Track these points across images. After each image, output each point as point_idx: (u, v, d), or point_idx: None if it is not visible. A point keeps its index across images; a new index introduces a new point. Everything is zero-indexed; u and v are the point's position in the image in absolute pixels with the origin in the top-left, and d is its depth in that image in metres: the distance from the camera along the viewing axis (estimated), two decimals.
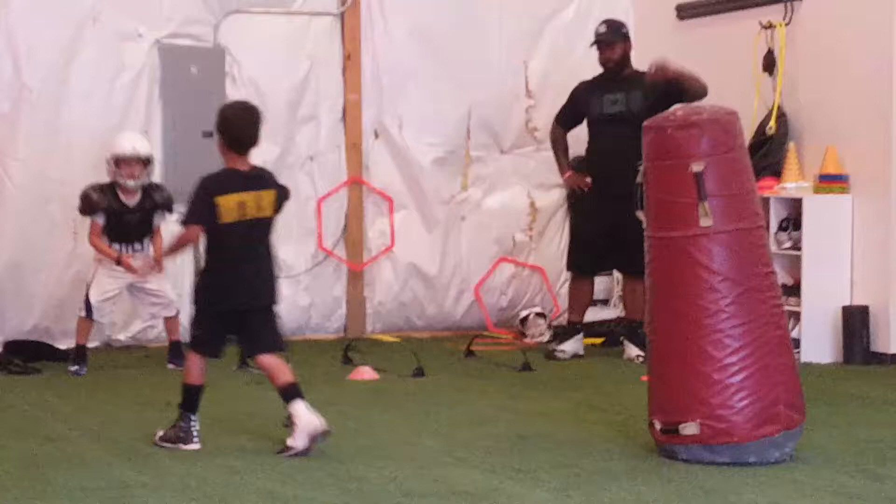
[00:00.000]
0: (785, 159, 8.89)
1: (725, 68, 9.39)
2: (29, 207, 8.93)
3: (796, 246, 8.65)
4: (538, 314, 9.79)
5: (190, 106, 9.25)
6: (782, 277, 8.23)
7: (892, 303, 8.40)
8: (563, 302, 10.20)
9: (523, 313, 9.92)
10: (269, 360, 6.09)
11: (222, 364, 8.37)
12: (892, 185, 8.39)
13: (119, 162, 8.15)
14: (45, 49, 8.90)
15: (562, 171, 9.01)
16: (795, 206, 8.71)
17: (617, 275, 10.18)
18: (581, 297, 8.93)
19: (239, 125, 6.04)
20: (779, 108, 9.03)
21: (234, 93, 9.35)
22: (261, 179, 6.14)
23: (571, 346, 8.80)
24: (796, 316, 8.49)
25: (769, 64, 9.14)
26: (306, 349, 9.12)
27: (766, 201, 8.46)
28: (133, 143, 8.22)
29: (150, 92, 9.20)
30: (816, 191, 8.68)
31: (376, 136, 9.85)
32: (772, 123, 9.00)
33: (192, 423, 6.08)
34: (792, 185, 8.78)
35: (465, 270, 10.07)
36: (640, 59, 10.55)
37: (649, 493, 5.21)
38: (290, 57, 9.51)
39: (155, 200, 8.31)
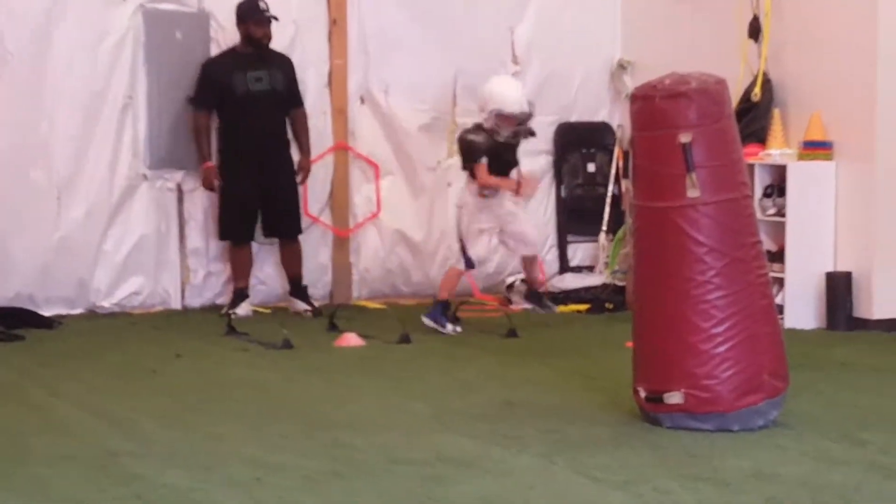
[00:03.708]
0: (770, 126, 8.90)
1: (711, 34, 9.39)
2: (11, 173, 8.87)
3: (780, 212, 8.67)
4: (524, 280, 9.80)
5: (174, 71, 9.19)
6: (766, 244, 8.23)
7: (874, 269, 8.43)
8: (549, 269, 10.23)
9: (509, 280, 9.92)
10: None
11: (211, 330, 8.44)
12: (876, 152, 8.41)
13: (502, 115, 8.29)
14: (28, 13, 8.83)
15: (203, 159, 9.09)
16: (780, 172, 8.73)
17: (602, 241, 10.20)
18: (244, 263, 9.25)
19: None
20: (764, 74, 9.03)
21: None
22: None
23: (243, 309, 9.07)
24: (780, 282, 8.51)
25: (754, 30, 9.12)
26: (292, 315, 9.13)
27: (750, 168, 8.46)
28: (522, 104, 8.35)
29: (135, 57, 9.13)
30: (801, 157, 8.70)
31: (362, 101, 9.82)
32: (757, 90, 9.00)
33: None
34: (776, 151, 8.79)
35: (452, 237, 10.01)
36: (631, 27, 10.56)
37: (634, 459, 5.24)
38: (276, 22, 9.45)
39: (525, 130, 8.46)
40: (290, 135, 9.28)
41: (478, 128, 8.49)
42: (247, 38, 9.06)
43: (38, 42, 8.85)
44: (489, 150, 8.41)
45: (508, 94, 8.44)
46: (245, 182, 9.03)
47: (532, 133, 8.68)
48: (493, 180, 8.46)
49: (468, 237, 8.50)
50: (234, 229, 9.20)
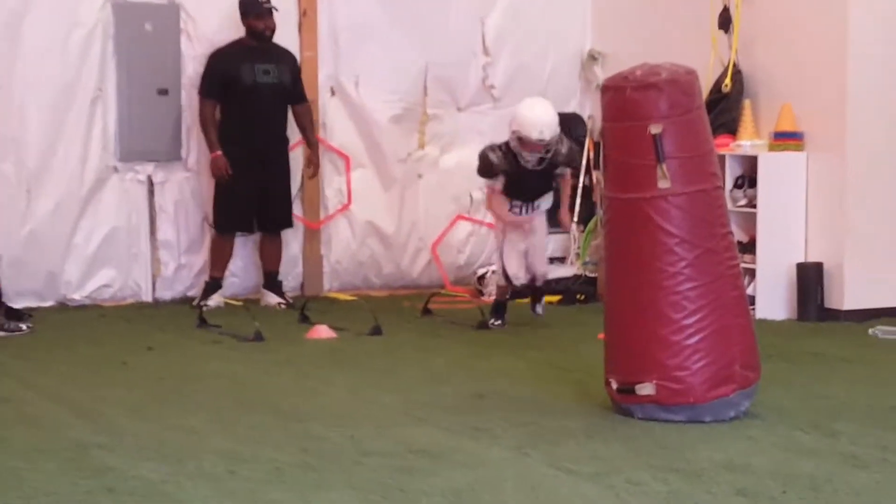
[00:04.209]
0: (740, 117, 8.93)
1: (682, 25, 9.42)
2: None
3: (751, 203, 8.71)
4: (495, 272, 9.79)
5: (144, 63, 9.16)
6: (737, 235, 8.26)
7: (845, 260, 8.47)
8: None
9: (480, 271, 9.93)
10: None
11: (182, 323, 8.41)
12: (847, 143, 8.45)
13: (522, 139, 8.01)
14: None
15: (212, 148, 9.05)
16: (751, 163, 8.76)
17: (573, 232, 10.21)
18: (227, 254, 9.23)
19: None
20: (734, 65, 9.07)
21: (189, 50, 9.28)
22: None
23: (215, 300, 9.06)
24: (751, 273, 8.55)
25: (725, 21, 9.16)
26: (263, 307, 9.11)
27: (721, 159, 8.48)
28: (541, 131, 7.95)
29: (104, 49, 9.09)
30: (771, 148, 8.73)
31: (332, 93, 9.80)
32: (727, 81, 9.04)
33: None
34: (747, 142, 8.82)
35: (423, 228, 10.07)
36: (602, 18, 10.54)
37: (606, 451, 5.25)
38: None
39: (557, 160, 8.18)
40: (288, 131, 9.24)
41: (501, 147, 8.16)
42: (250, 31, 9.05)
43: (7, 35, 8.79)
44: (506, 172, 8.14)
45: (530, 118, 8.02)
46: (247, 175, 8.98)
47: (568, 164, 8.37)
48: (496, 214, 8.36)
49: (505, 253, 8.32)
50: (232, 221, 9.16)
